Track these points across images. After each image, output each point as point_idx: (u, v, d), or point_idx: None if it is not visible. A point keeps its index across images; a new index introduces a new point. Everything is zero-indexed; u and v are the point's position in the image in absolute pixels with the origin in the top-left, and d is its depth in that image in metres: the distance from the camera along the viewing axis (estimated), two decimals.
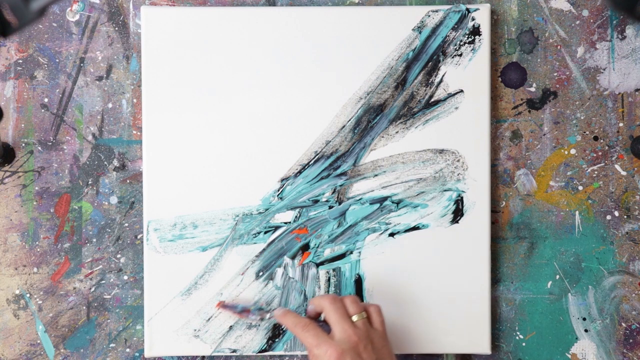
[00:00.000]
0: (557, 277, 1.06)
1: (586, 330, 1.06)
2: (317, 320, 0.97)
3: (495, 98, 1.06)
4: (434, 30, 1.03)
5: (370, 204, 1.04)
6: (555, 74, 1.06)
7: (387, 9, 1.04)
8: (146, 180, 1.03)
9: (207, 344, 1.03)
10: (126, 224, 1.05)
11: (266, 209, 1.03)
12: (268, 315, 1.02)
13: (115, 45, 1.05)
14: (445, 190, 1.04)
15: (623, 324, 1.06)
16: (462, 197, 1.04)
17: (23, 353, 1.05)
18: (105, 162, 1.05)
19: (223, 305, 1.02)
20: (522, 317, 1.06)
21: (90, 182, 1.05)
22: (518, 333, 1.06)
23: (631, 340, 1.06)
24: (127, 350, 1.05)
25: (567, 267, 1.06)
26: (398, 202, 1.04)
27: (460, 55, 1.03)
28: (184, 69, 1.03)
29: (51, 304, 1.05)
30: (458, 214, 1.04)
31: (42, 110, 1.05)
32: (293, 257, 1.04)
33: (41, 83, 1.05)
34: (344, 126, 1.03)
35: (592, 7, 1.06)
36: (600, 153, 1.06)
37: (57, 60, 1.05)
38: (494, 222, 1.05)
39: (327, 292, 1.03)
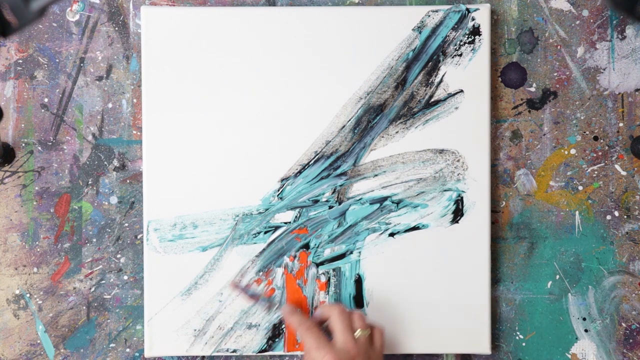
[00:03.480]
0: (557, 277, 1.06)
1: (586, 330, 1.06)
2: (321, 326, 0.98)
3: (495, 98, 1.06)
4: (434, 30, 1.03)
5: (370, 204, 1.04)
6: (555, 74, 1.06)
7: (387, 9, 1.04)
8: (146, 180, 1.03)
9: (207, 344, 1.03)
10: (126, 224, 1.05)
11: (266, 209, 1.03)
12: (275, 308, 1.03)
13: (115, 45, 1.05)
14: (445, 190, 1.04)
15: (623, 324, 1.06)
16: (462, 197, 1.03)
17: (23, 353, 1.05)
18: (105, 162, 1.05)
19: (235, 285, 1.03)
20: (522, 317, 1.06)
21: (90, 182, 1.05)
22: (518, 333, 1.06)
23: (631, 340, 1.06)
24: (127, 350, 1.05)
25: (567, 267, 1.06)
26: (398, 202, 1.04)
27: (460, 55, 1.03)
28: (184, 69, 1.03)
29: (51, 304, 1.05)
30: (458, 214, 1.04)
31: (42, 110, 1.05)
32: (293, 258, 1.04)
33: (41, 83, 1.05)
34: (344, 126, 1.03)
35: (592, 7, 1.06)
36: (600, 153, 1.06)
37: (57, 60, 1.05)
38: (494, 222, 1.05)
39: (327, 292, 1.03)
